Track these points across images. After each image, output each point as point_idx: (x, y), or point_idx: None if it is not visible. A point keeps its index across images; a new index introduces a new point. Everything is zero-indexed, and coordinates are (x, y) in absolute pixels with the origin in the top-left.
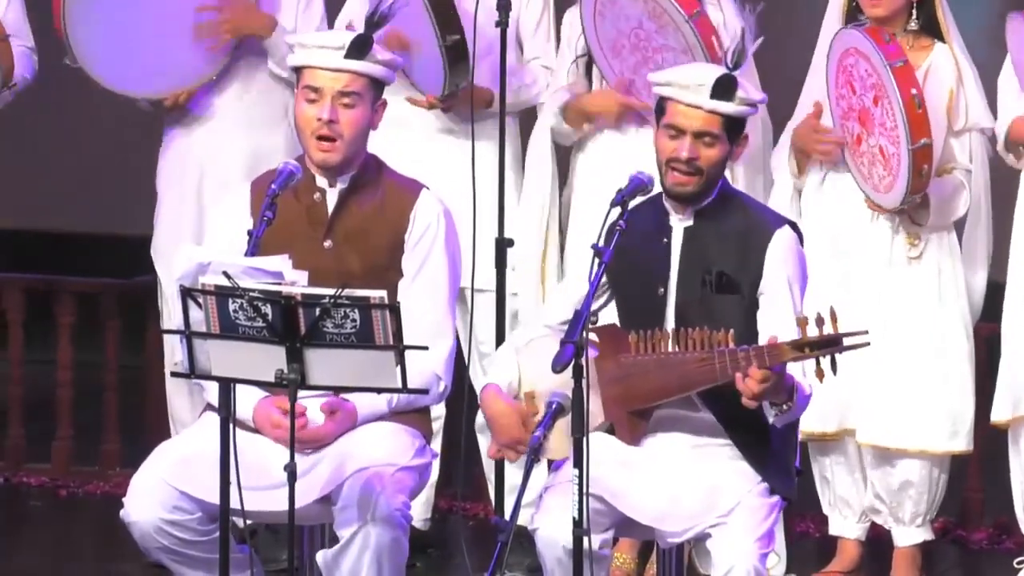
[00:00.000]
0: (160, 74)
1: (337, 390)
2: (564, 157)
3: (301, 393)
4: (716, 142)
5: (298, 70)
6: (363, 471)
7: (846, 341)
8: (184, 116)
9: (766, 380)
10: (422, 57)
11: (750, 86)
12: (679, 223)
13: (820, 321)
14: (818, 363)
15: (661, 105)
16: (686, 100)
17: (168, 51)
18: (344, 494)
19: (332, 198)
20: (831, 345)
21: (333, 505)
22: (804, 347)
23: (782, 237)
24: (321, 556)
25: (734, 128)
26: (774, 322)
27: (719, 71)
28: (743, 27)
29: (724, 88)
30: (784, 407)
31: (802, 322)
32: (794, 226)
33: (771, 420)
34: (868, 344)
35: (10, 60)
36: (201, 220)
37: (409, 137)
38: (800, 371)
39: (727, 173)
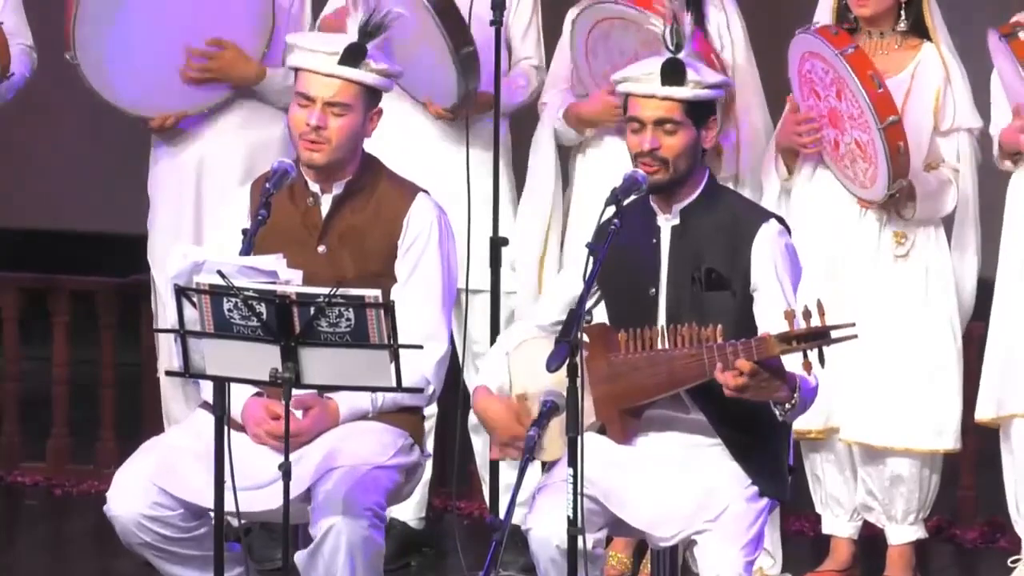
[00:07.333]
0: (156, 94)
1: (332, 389)
2: (567, 158)
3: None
4: (678, 128)
5: (295, 71)
6: (336, 470)
7: (834, 334)
8: (173, 128)
9: (754, 374)
10: (423, 67)
11: (705, 68)
12: (666, 222)
13: (807, 314)
14: (805, 356)
15: (625, 103)
16: (641, 91)
17: (169, 73)
18: (317, 492)
19: (326, 203)
20: (819, 338)
21: (308, 504)
22: (792, 340)
23: (768, 231)
24: (298, 557)
25: (697, 112)
26: (767, 318)
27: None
28: (672, 8)
29: (672, 72)
30: (788, 404)
31: (789, 315)
32: (781, 220)
33: (780, 418)
34: (856, 336)
35: (6, 49)
36: (199, 224)
37: (404, 138)
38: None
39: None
